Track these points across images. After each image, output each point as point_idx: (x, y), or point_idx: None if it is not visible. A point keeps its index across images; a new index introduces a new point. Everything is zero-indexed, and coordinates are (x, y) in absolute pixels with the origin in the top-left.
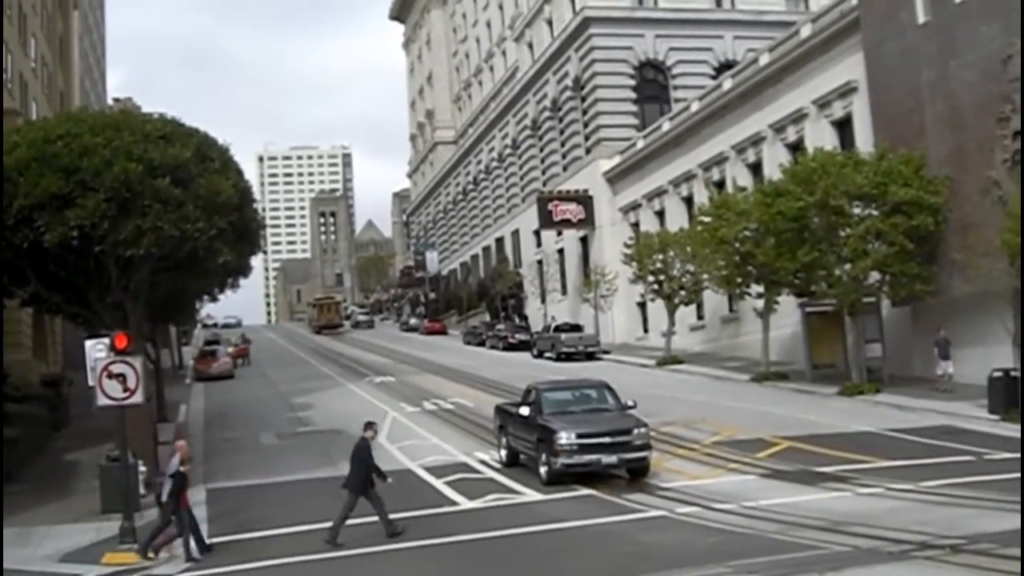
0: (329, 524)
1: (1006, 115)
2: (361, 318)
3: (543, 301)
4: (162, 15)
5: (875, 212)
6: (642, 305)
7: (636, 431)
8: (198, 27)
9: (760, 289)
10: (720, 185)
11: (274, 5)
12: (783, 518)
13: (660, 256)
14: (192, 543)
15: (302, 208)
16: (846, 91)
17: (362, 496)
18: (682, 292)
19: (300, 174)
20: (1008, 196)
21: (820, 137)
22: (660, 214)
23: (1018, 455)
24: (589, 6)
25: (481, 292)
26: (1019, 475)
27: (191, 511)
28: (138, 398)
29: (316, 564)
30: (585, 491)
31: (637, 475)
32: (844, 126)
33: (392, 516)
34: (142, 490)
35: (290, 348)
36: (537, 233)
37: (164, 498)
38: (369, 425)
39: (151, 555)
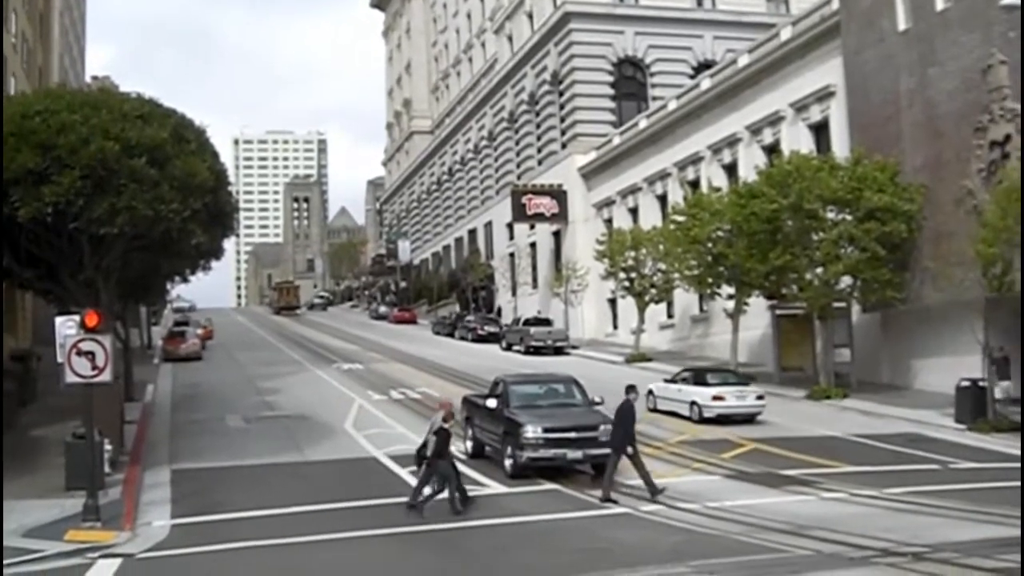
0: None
1: (983, 125)
2: (316, 301)
3: (514, 294)
4: None
5: (849, 217)
6: (612, 302)
7: (603, 427)
8: (187, 7)
9: (731, 290)
10: (695, 185)
11: None
12: (747, 520)
13: (632, 253)
14: (457, 496)
15: (276, 193)
16: (824, 95)
17: (624, 454)
18: (653, 290)
19: (275, 159)
20: (983, 206)
21: (796, 140)
22: (634, 211)
23: (985, 465)
24: (570, 0)
25: (452, 283)
26: (985, 484)
27: (455, 465)
28: (106, 376)
29: (279, 548)
30: (549, 485)
31: (602, 471)
32: (821, 130)
33: (361, 504)
34: (107, 468)
35: (259, 332)
36: (510, 226)
37: (429, 454)
38: (632, 388)
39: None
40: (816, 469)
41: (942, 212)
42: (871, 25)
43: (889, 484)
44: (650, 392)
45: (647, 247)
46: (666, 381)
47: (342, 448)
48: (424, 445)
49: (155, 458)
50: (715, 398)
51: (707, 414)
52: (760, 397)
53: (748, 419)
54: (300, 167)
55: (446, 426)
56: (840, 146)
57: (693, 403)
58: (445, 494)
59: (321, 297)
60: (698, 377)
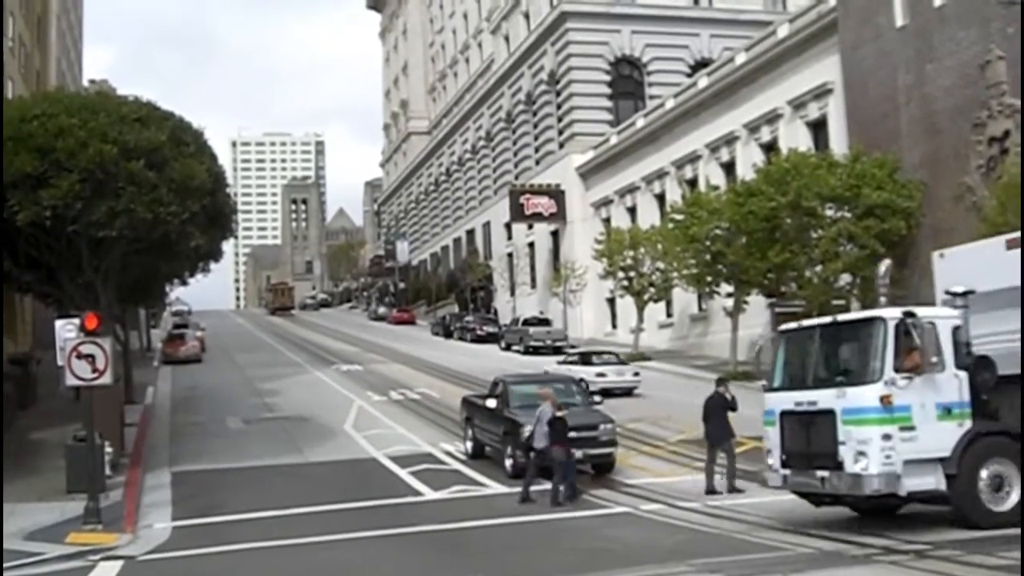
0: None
1: (982, 121)
2: (308, 302)
3: (512, 294)
4: None
5: (847, 215)
6: (611, 301)
7: (602, 427)
8: (186, 9)
9: (730, 288)
10: (693, 183)
11: None
12: (747, 518)
13: (631, 252)
14: (562, 489)
15: (274, 194)
16: (821, 92)
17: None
18: (652, 289)
19: (273, 160)
20: (982, 202)
21: (794, 138)
22: (632, 210)
23: None
24: (566, 0)
25: (450, 283)
26: None
27: (571, 454)
28: (106, 379)
29: (280, 550)
30: (549, 485)
31: (602, 471)
32: (819, 127)
33: (361, 504)
34: (108, 471)
35: (257, 334)
36: (508, 226)
37: (538, 445)
38: (722, 381)
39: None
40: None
41: (941, 209)
42: (868, 21)
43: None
44: (546, 372)
45: (645, 246)
46: (559, 364)
47: (342, 449)
48: (530, 437)
49: (155, 460)
50: (598, 375)
51: (592, 388)
52: (636, 374)
53: (627, 392)
54: (298, 169)
55: (560, 415)
56: (838, 143)
57: (581, 379)
58: (540, 484)
59: (312, 298)
60: (584, 359)
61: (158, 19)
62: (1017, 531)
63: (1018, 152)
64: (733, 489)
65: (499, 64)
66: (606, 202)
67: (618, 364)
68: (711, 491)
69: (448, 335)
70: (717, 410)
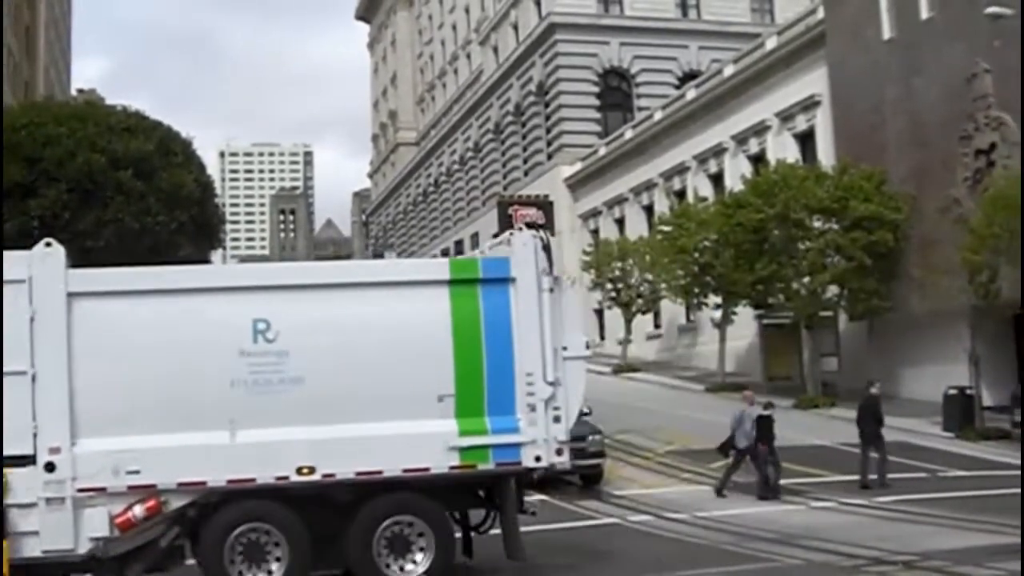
0: None
1: (968, 133)
2: None
3: None
4: (147, 2)
5: (835, 226)
6: (599, 312)
7: (590, 438)
8: (177, 19)
9: (718, 300)
10: (681, 195)
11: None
12: (736, 529)
13: (619, 264)
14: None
15: (262, 205)
16: (809, 104)
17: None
18: (640, 300)
19: (261, 171)
20: (968, 214)
21: (782, 150)
22: (620, 222)
23: (973, 473)
24: (555, 12)
25: None
26: (974, 492)
27: (775, 451)
28: None
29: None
30: (537, 496)
31: (590, 482)
32: (806, 139)
33: None
34: None
35: None
36: (496, 237)
37: (740, 446)
38: (872, 383)
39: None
40: (805, 478)
41: (928, 221)
42: (856, 34)
43: (878, 493)
44: None
45: (633, 257)
46: None
47: None
48: (732, 436)
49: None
50: None
51: None
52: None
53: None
54: (286, 179)
55: (767, 413)
56: (826, 155)
57: None
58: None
59: None
60: None
61: (152, 30)
62: (1007, 541)
63: (1005, 164)
64: (883, 484)
65: (487, 75)
66: (594, 213)
67: None
68: (866, 486)
69: None
70: (875, 411)
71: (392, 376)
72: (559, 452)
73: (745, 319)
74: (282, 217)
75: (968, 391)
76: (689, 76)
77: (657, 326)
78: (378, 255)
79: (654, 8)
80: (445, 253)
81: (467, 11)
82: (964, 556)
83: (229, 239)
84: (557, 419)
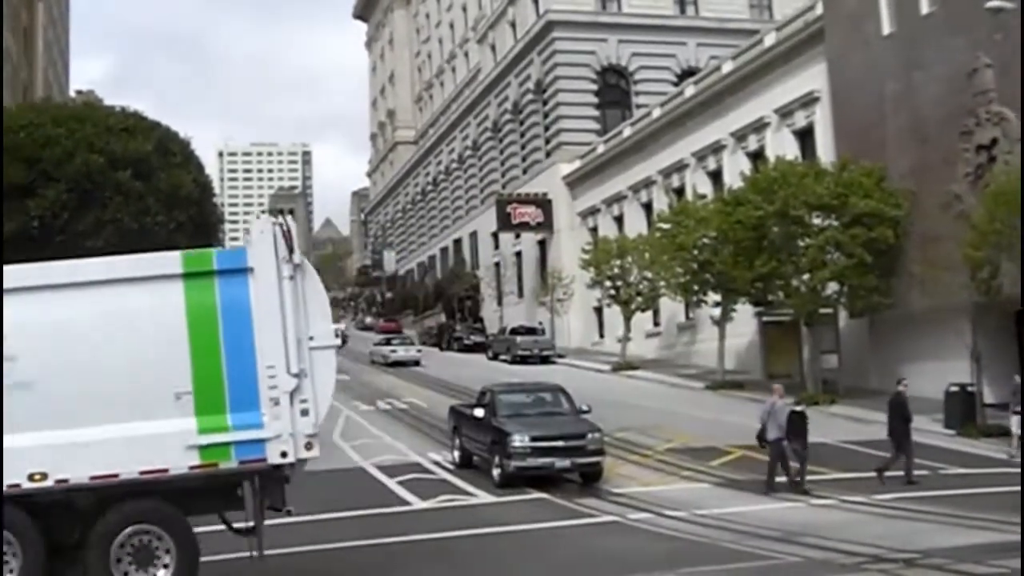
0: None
1: (969, 129)
2: None
3: (499, 304)
4: (147, 3)
5: (835, 223)
6: (598, 310)
7: (590, 436)
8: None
9: (717, 297)
10: (680, 192)
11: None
12: (736, 527)
13: (618, 262)
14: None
15: (261, 204)
16: (808, 101)
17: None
18: (639, 298)
19: (260, 170)
20: (970, 210)
21: (781, 146)
22: (619, 219)
23: (974, 471)
24: (552, 9)
25: (438, 293)
26: (975, 490)
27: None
28: None
29: (267, 559)
30: (537, 494)
31: (590, 480)
32: (806, 136)
33: (348, 514)
34: None
35: None
36: (495, 235)
37: (769, 437)
38: (901, 381)
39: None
40: (805, 476)
41: (929, 217)
42: (855, 30)
43: (879, 490)
44: (371, 352)
45: (633, 255)
46: (375, 345)
47: (330, 459)
48: (763, 429)
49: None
50: (391, 350)
51: (391, 359)
52: (419, 351)
53: (415, 363)
54: (284, 179)
55: (799, 409)
56: (825, 152)
57: (384, 355)
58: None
59: None
60: (386, 341)
61: (150, 30)
62: (1007, 538)
63: (1006, 160)
64: (910, 481)
65: (485, 73)
66: (593, 211)
67: (404, 344)
68: (911, 479)
69: (436, 344)
70: (902, 408)
71: (126, 376)
72: (308, 446)
73: (745, 316)
74: (281, 216)
75: (969, 388)
76: (688, 73)
77: (656, 324)
78: (377, 253)
79: (652, 5)
80: (444, 251)
81: (464, 9)
82: (965, 554)
83: (228, 239)
84: (305, 412)
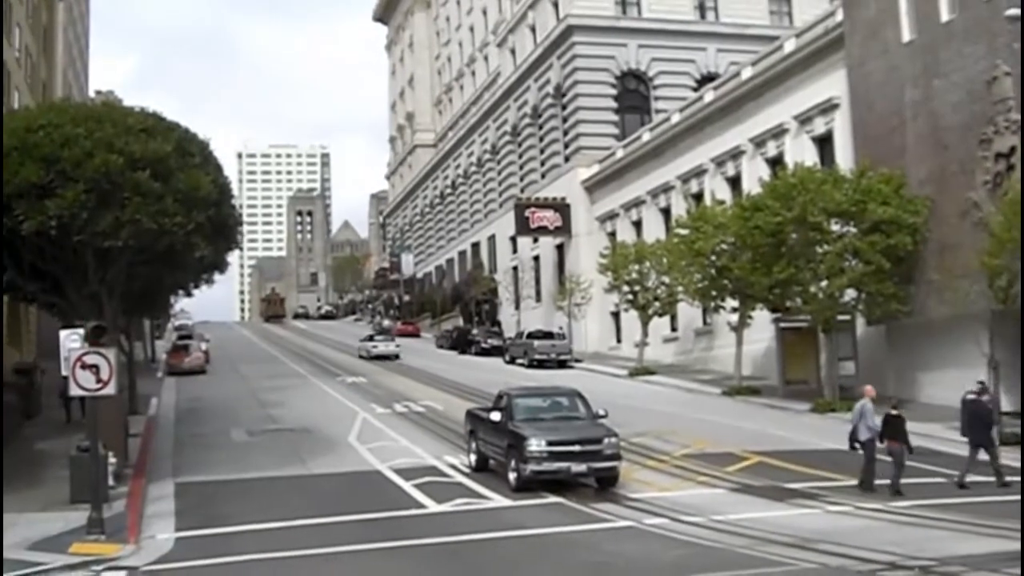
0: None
1: (988, 137)
2: (299, 310)
3: (517, 307)
4: (170, 4)
5: (853, 230)
6: (616, 315)
7: (606, 440)
8: (200, 20)
9: (735, 303)
10: (698, 197)
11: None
12: (751, 533)
13: (636, 266)
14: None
15: (279, 206)
16: (828, 107)
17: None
18: (656, 303)
19: (279, 172)
20: (988, 218)
21: (800, 153)
22: (637, 224)
23: (990, 478)
24: (573, 14)
25: (455, 296)
26: (991, 498)
27: (908, 450)
28: (110, 390)
29: (283, 561)
30: (553, 499)
31: (606, 484)
32: (825, 142)
33: (365, 517)
34: (111, 481)
35: (261, 345)
36: (513, 239)
37: (861, 438)
38: (980, 383)
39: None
40: (821, 482)
41: (947, 224)
42: (875, 37)
43: (894, 497)
44: (358, 347)
45: (650, 260)
46: (361, 340)
47: (346, 461)
48: (854, 430)
49: (159, 471)
50: (373, 346)
51: (373, 354)
52: (398, 345)
53: (396, 357)
54: (303, 181)
55: (896, 412)
56: (844, 158)
57: (367, 350)
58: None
59: (303, 307)
60: (371, 337)
61: (170, 32)
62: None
63: (1021, 168)
64: (1003, 484)
65: (505, 77)
66: (611, 216)
67: (387, 339)
68: (963, 485)
69: (454, 347)
70: (984, 414)
71: None
72: None
73: (762, 322)
74: (299, 219)
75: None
76: (707, 78)
77: (674, 329)
78: (395, 256)
79: (672, 10)
80: (462, 255)
81: (484, 13)
82: (980, 561)
83: (246, 240)
84: None
